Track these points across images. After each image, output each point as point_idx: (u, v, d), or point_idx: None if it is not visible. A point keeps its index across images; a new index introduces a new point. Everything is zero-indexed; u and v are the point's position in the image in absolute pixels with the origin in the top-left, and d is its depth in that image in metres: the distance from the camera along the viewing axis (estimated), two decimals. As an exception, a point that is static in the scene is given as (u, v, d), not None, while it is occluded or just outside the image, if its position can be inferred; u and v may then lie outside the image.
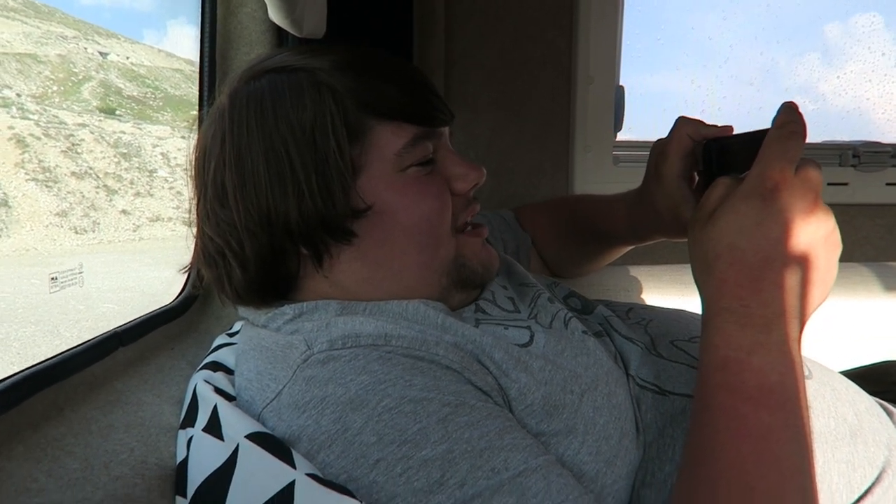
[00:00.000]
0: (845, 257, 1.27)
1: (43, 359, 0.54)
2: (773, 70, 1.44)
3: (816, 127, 1.47)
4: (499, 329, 0.58)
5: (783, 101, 0.54)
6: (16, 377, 0.49)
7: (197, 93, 0.92)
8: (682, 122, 0.63)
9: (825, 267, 0.50)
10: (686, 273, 1.18)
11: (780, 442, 0.45)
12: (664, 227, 0.69)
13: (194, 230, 0.62)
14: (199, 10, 0.89)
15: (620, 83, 1.22)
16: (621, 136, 1.25)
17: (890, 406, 0.70)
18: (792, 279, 0.48)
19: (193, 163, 0.62)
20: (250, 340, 0.58)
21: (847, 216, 1.26)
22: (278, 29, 0.92)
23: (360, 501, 0.41)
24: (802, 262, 0.48)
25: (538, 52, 1.18)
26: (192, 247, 0.64)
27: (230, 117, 0.58)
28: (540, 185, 1.21)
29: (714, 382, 0.48)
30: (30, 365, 0.52)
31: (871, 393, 0.78)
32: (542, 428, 0.51)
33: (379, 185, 0.57)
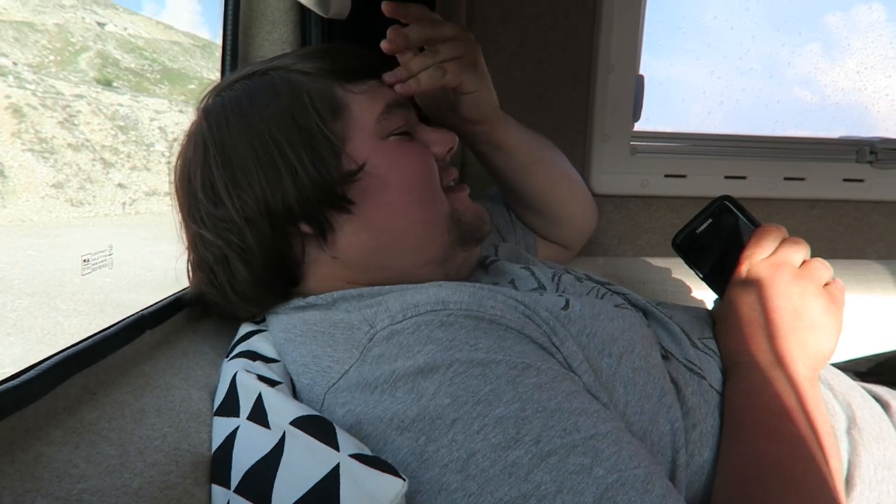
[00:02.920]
0: (858, 254, 1.27)
1: (74, 342, 0.54)
2: (793, 63, 1.43)
3: (811, 116, 1.46)
4: (534, 294, 0.59)
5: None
6: (49, 361, 0.49)
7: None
8: None
9: (815, 319, 0.61)
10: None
11: (812, 448, 0.52)
12: None
13: (186, 257, 0.64)
14: (223, -14, 0.88)
15: (640, 72, 1.20)
16: (639, 126, 1.24)
17: (889, 400, 0.72)
18: (779, 333, 0.60)
19: (176, 185, 0.62)
20: (295, 327, 0.58)
21: (861, 212, 1.26)
22: (301, 8, 0.91)
23: (433, 467, 0.43)
24: (785, 321, 0.61)
25: (560, 38, 1.17)
26: (189, 275, 0.65)
27: (208, 125, 0.60)
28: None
29: (743, 405, 0.57)
30: (61, 349, 0.51)
31: (887, 381, 0.81)
32: (596, 386, 0.51)
33: (366, 152, 0.59)
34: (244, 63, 0.89)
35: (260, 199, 0.57)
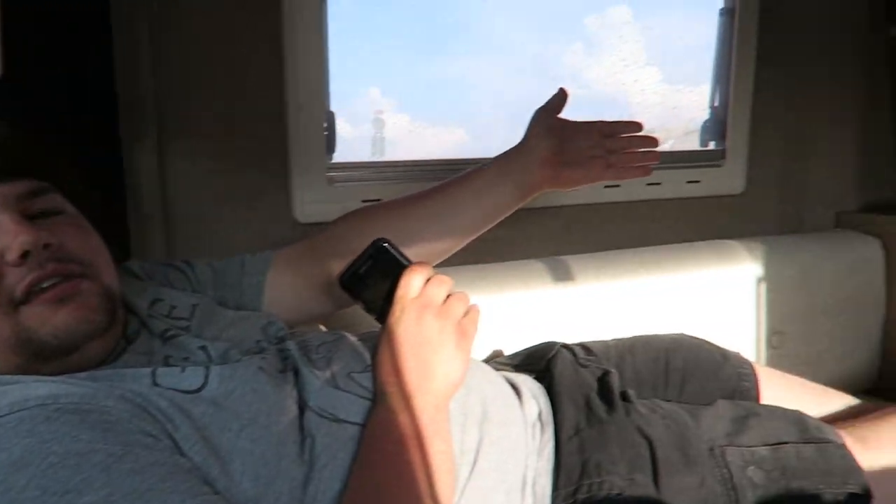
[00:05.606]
0: (523, 255, 1.45)
1: None
2: (544, 57, 1.61)
3: (582, 110, 1.67)
4: (175, 371, 0.65)
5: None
6: None
7: None
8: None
9: (448, 353, 0.74)
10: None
11: (416, 472, 0.65)
12: None
13: None
14: None
15: (331, 108, 1.31)
16: (337, 157, 1.36)
17: (519, 384, 0.90)
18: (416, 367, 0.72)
19: None
20: None
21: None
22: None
23: None
24: (423, 356, 0.73)
25: (252, 82, 1.24)
26: None
27: None
28: (261, 208, 1.27)
29: (374, 434, 0.69)
30: None
31: (533, 370, 0.99)
32: (209, 462, 0.59)
33: None
34: None
35: None
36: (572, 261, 1.39)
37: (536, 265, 1.37)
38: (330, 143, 1.31)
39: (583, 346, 1.13)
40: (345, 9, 1.35)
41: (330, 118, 1.31)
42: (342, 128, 1.36)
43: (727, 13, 1.59)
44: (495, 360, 1.13)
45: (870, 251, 1.60)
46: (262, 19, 1.22)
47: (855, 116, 1.73)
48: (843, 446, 0.88)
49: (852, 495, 0.85)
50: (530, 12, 1.57)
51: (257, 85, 1.24)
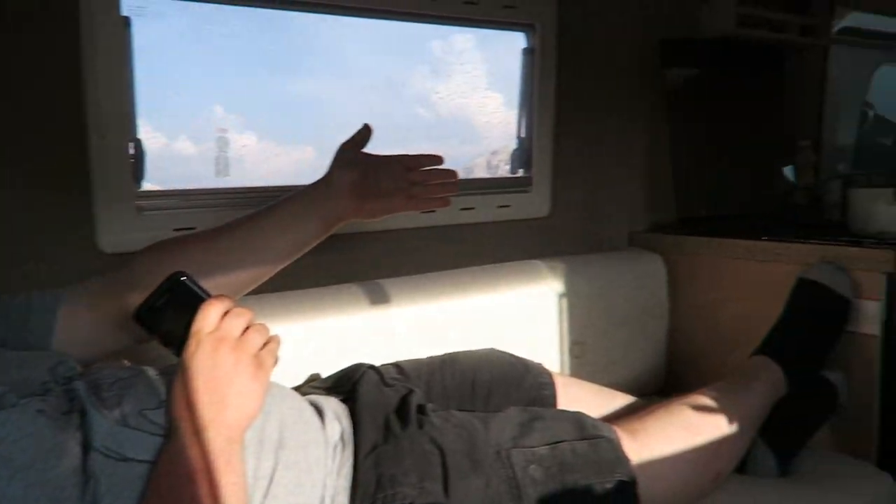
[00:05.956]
0: (342, 279, 1.49)
1: None
2: (393, 78, 1.66)
3: (431, 130, 1.71)
4: None
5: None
6: None
7: None
8: None
9: (243, 386, 0.75)
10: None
11: (208, 501, 0.68)
12: None
13: None
14: None
15: (138, 136, 1.29)
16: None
17: (324, 407, 0.93)
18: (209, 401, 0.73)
19: None
20: None
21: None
22: None
23: None
24: (219, 390, 0.73)
25: (47, 109, 1.18)
26: None
27: None
28: (66, 240, 1.22)
29: (162, 470, 0.71)
30: None
31: (341, 392, 1.02)
32: None
33: None
34: None
35: None
36: (389, 284, 1.45)
37: (354, 289, 1.42)
38: (138, 171, 1.29)
39: (396, 365, 1.19)
40: (185, 24, 1.34)
41: (138, 145, 1.28)
42: (184, 146, 1.34)
43: (529, 52, 1.75)
44: (310, 384, 1.16)
45: (655, 267, 1.81)
46: (59, 45, 1.18)
47: (641, 148, 1.96)
48: (613, 440, 1.01)
49: (621, 482, 0.97)
50: (378, 35, 1.62)
51: (54, 112, 1.19)
